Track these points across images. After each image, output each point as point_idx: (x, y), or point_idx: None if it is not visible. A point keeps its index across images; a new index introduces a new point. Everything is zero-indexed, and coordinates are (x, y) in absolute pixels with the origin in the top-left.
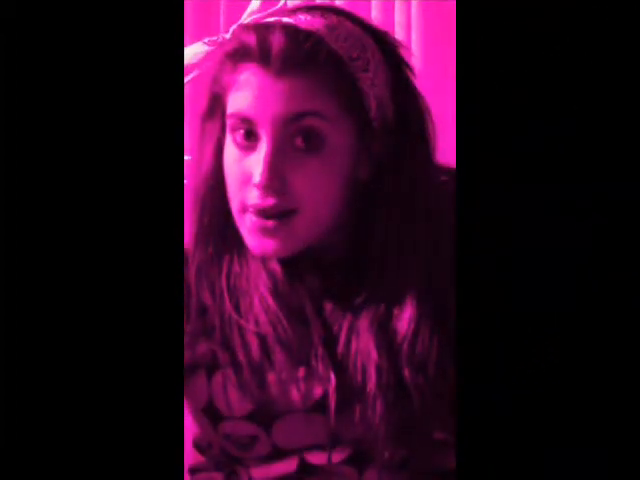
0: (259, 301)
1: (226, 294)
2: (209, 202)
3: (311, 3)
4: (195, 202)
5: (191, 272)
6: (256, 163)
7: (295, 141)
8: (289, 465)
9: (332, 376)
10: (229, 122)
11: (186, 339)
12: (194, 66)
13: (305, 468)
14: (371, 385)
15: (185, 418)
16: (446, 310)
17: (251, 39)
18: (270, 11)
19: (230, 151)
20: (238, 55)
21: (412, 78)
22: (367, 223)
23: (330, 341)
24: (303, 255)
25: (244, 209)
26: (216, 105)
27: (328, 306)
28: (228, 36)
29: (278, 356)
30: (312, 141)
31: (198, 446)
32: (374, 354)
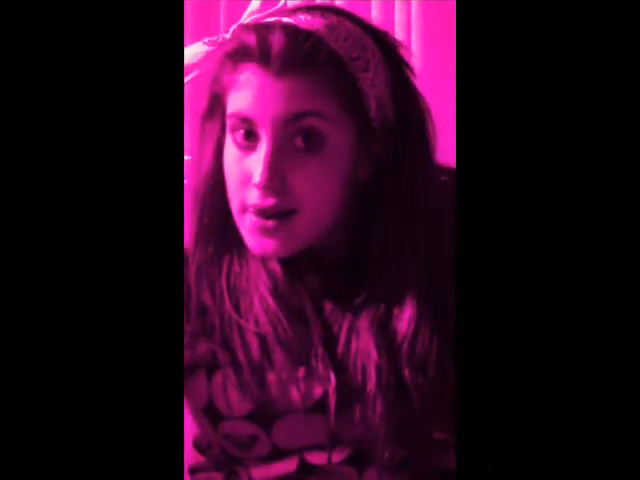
0: (259, 301)
1: (226, 294)
2: (209, 202)
3: (311, 3)
4: (195, 202)
5: (191, 272)
6: (256, 163)
7: (295, 141)
8: (289, 465)
9: (332, 376)
10: (229, 122)
11: (186, 339)
12: (194, 66)
13: (305, 468)
14: (371, 385)
15: (185, 418)
16: (446, 310)
17: (251, 39)
18: (270, 11)
19: (230, 151)
20: (238, 55)
21: (412, 78)
22: (367, 223)
23: (330, 341)
24: (303, 255)
25: (244, 209)
26: (216, 105)
27: (328, 306)
28: (228, 36)
29: (278, 356)
30: (312, 141)
31: (198, 446)
32: (374, 354)
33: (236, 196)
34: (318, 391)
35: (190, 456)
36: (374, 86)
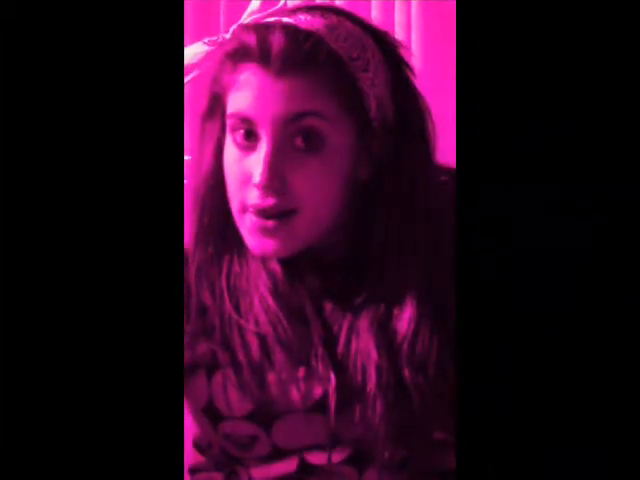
0: (259, 301)
1: (226, 294)
2: (209, 202)
3: (311, 3)
4: (195, 202)
5: (191, 272)
6: (256, 163)
7: (295, 141)
8: (289, 465)
9: (332, 376)
10: (229, 122)
11: (186, 339)
12: (194, 66)
13: (305, 468)
14: (371, 385)
15: (185, 418)
16: (446, 310)
17: (251, 39)
18: (270, 11)
19: (230, 151)
20: (238, 55)
21: (412, 78)
22: (367, 223)
23: (330, 341)
24: (303, 255)
25: (244, 209)
26: (216, 105)
27: (328, 306)
28: (228, 36)
29: (278, 356)
30: (312, 141)
31: (198, 446)
32: (374, 354)
33: (236, 196)
34: (318, 391)
35: (190, 456)
36: (374, 86)
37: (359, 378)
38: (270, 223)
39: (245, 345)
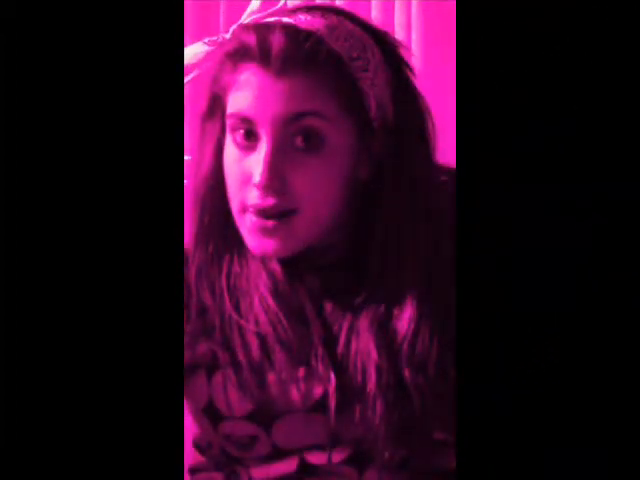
0: (259, 301)
1: (226, 294)
2: (209, 202)
3: (311, 3)
4: (195, 202)
5: (191, 272)
6: (256, 163)
7: (295, 141)
8: (289, 465)
9: (332, 376)
10: (229, 122)
11: (186, 339)
12: (194, 66)
13: (305, 468)
14: (371, 385)
15: (185, 418)
16: (446, 310)
17: (251, 39)
18: (270, 11)
19: (230, 151)
20: (238, 55)
21: (412, 78)
22: (367, 223)
23: (330, 341)
24: (303, 255)
25: (244, 209)
26: (216, 105)
27: (328, 306)
28: (228, 36)
29: (278, 356)
30: (312, 141)
31: (198, 446)
32: (374, 354)
33: (236, 196)
34: (318, 391)
35: (190, 456)
36: (374, 86)
37: (359, 378)
38: (270, 223)
39: (245, 345)
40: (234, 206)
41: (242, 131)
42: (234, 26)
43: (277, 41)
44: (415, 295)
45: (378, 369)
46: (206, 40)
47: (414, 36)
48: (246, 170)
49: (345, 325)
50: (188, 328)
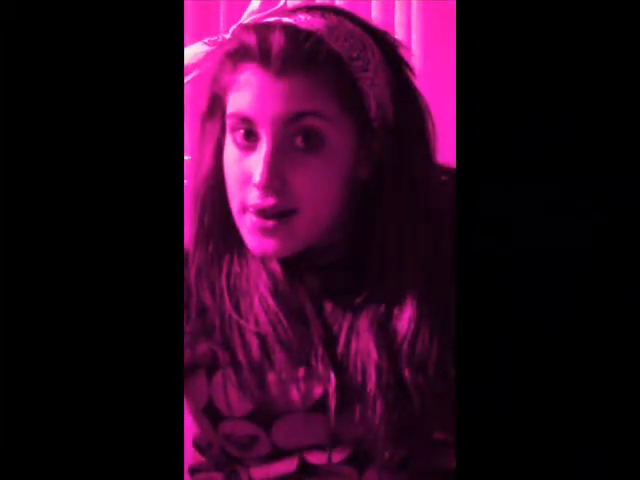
0: (259, 301)
1: (226, 294)
2: (209, 202)
3: (311, 3)
4: (195, 202)
5: (191, 272)
6: (256, 163)
7: (295, 141)
8: (289, 465)
9: (332, 376)
10: (229, 122)
11: (186, 339)
12: (194, 66)
13: (305, 468)
14: (371, 385)
15: (185, 418)
16: (446, 310)
17: (251, 39)
18: (270, 11)
19: (230, 151)
20: (238, 55)
21: (412, 78)
22: (367, 223)
23: (330, 341)
24: (303, 255)
25: (244, 209)
26: (216, 105)
27: (328, 306)
28: (228, 36)
29: (278, 356)
30: (312, 141)
31: (198, 446)
32: (374, 354)
33: (236, 196)
34: (318, 391)
35: (190, 456)
36: (374, 86)
37: (359, 378)
38: (270, 223)
39: (245, 345)
40: (234, 206)
41: (242, 131)
42: (234, 26)
43: (277, 41)
44: (415, 295)
45: (378, 369)
46: (206, 40)
47: (414, 36)
48: (246, 170)
49: (345, 325)
50: (188, 328)
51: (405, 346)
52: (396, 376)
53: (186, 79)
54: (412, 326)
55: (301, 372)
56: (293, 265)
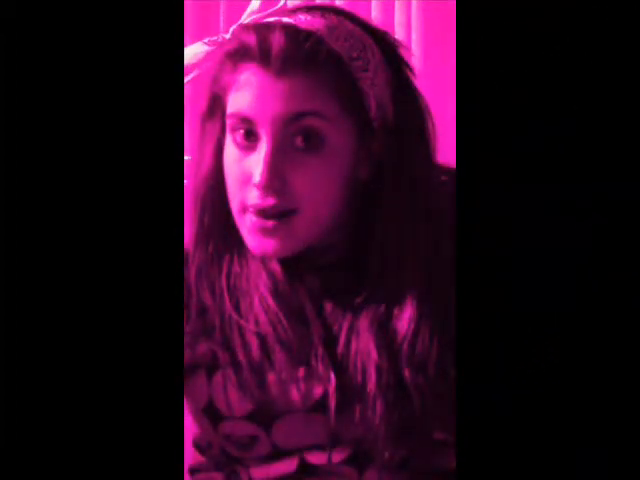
0: (259, 301)
1: (226, 294)
2: (209, 202)
3: (311, 3)
4: (195, 202)
5: (191, 272)
6: (256, 163)
7: (295, 141)
8: (289, 465)
9: (332, 376)
10: (229, 122)
11: (186, 339)
12: (194, 66)
13: (305, 468)
14: (371, 385)
15: (185, 418)
16: (446, 310)
17: (251, 39)
18: (270, 11)
19: (230, 151)
20: (238, 55)
21: (412, 78)
22: (367, 223)
23: (330, 341)
24: (303, 255)
25: (244, 209)
26: (216, 105)
27: (328, 306)
28: (228, 36)
29: (278, 356)
30: (312, 141)
31: (198, 446)
32: (374, 354)
33: (236, 196)
34: (318, 391)
35: (190, 456)
36: (374, 86)
37: (359, 378)
38: (270, 223)
39: (245, 345)
40: (234, 206)
41: (242, 131)
42: (234, 26)
43: (277, 41)
44: (415, 295)
45: (378, 369)
46: (206, 40)
47: (414, 36)
48: (246, 170)
49: (345, 325)
50: (188, 328)
51: (405, 346)
52: (396, 376)
53: (186, 79)
54: (412, 326)
55: (301, 372)
56: (293, 265)
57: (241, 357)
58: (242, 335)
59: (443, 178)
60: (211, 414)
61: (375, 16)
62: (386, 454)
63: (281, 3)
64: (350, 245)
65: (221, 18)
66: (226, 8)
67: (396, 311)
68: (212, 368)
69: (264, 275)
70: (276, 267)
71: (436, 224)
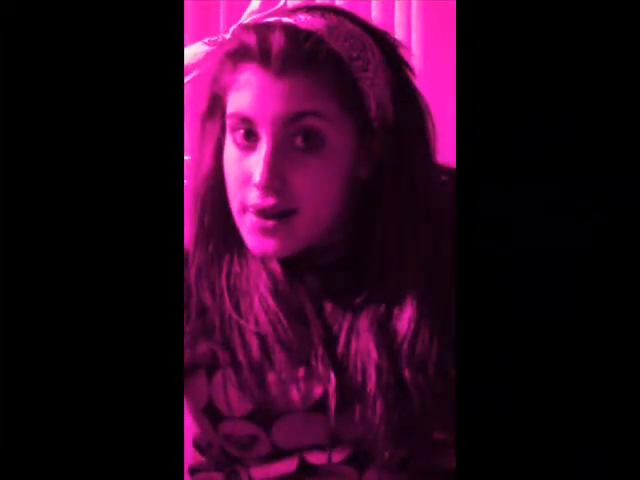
0: (259, 301)
1: (226, 294)
2: (209, 202)
3: (311, 3)
4: (195, 202)
5: (191, 272)
6: (256, 163)
7: (295, 141)
8: (289, 465)
9: (332, 376)
10: (229, 122)
11: (186, 339)
12: (194, 66)
13: (305, 468)
14: (371, 385)
15: (185, 418)
16: (446, 310)
17: (251, 39)
18: (270, 11)
19: (230, 151)
20: (238, 55)
21: (412, 78)
22: (367, 223)
23: (330, 341)
24: (303, 255)
25: (244, 209)
26: (216, 105)
27: (328, 306)
28: (228, 36)
29: (278, 356)
30: (312, 141)
31: (198, 446)
32: (374, 354)
33: (236, 196)
34: (318, 391)
35: (190, 456)
36: (374, 86)
37: (359, 378)
38: (270, 223)
39: (245, 345)
40: (234, 206)
41: (242, 131)
42: (234, 26)
43: (277, 41)
44: (415, 295)
45: (378, 369)
46: (206, 40)
47: (414, 36)
48: (246, 170)
49: (345, 325)
50: (188, 328)
51: (405, 346)
52: (396, 376)
53: (186, 79)
54: (412, 326)
55: (301, 372)
56: (293, 265)
57: (241, 357)
58: (242, 335)
59: (443, 178)
60: (211, 414)
61: (375, 16)
62: (386, 454)
63: (281, 3)
64: (350, 245)
65: (221, 18)
66: (226, 8)
67: (396, 311)
68: (212, 368)
69: (264, 275)
70: (276, 267)
71: (436, 224)
